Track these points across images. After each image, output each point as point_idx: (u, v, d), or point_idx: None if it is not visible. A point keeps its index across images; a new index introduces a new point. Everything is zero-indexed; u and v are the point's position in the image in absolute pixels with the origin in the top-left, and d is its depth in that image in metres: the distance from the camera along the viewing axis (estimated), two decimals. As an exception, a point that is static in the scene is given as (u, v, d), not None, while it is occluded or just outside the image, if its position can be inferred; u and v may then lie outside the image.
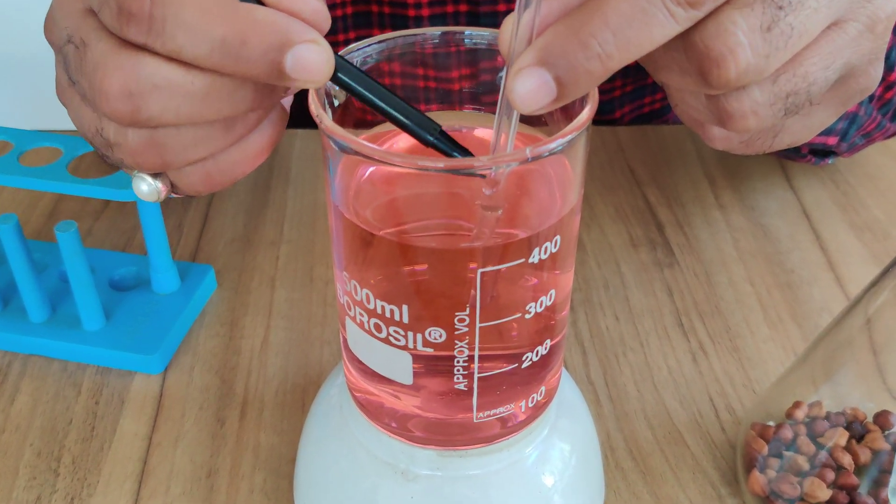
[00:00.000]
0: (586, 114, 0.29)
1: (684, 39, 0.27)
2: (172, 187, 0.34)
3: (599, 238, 0.57)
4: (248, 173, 0.33)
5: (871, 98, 0.55)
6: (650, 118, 0.72)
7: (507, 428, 0.34)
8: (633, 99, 0.69)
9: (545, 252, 0.30)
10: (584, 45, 0.26)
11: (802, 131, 0.33)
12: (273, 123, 0.33)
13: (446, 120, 0.34)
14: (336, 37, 0.63)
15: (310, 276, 0.54)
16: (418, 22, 0.61)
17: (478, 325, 0.30)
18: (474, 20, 0.61)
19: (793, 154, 0.60)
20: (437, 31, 0.32)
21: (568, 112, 0.31)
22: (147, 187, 0.33)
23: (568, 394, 0.40)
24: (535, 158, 0.28)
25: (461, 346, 0.31)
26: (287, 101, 0.34)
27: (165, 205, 0.59)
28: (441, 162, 0.28)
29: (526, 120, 0.30)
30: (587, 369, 0.48)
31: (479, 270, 0.29)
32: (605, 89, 0.67)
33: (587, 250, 0.56)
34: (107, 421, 0.45)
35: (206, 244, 0.56)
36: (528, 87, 0.27)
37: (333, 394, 0.39)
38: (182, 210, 0.59)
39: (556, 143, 0.28)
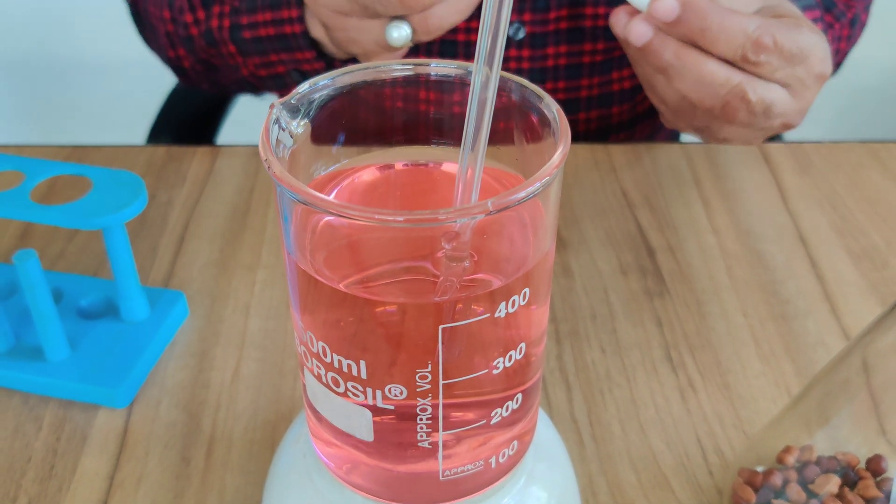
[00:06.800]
0: (557, 158, 0.27)
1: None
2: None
3: (588, 264, 0.56)
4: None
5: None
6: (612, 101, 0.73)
7: (477, 483, 0.32)
8: (599, 105, 0.70)
9: (513, 305, 0.28)
10: None
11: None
12: None
13: (411, 155, 0.33)
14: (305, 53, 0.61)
15: (287, 303, 0.52)
16: None
17: (441, 381, 0.28)
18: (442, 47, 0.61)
19: None
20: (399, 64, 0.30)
21: (532, 133, 0.29)
22: (397, 33, 0.44)
23: (545, 436, 0.38)
24: (500, 210, 0.26)
25: (424, 404, 0.29)
26: None
27: (141, 227, 0.57)
28: (401, 216, 0.26)
29: (491, 141, 0.28)
30: (571, 406, 0.46)
31: (441, 326, 0.27)
32: (572, 87, 0.69)
33: (574, 276, 0.54)
34: (67, 459, 0.43)
35: (181, 269, 0.54)
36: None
37: (300, 436, 0.37)
38: (157, 233, 0.57)
39: (525, 191, 0.26)
